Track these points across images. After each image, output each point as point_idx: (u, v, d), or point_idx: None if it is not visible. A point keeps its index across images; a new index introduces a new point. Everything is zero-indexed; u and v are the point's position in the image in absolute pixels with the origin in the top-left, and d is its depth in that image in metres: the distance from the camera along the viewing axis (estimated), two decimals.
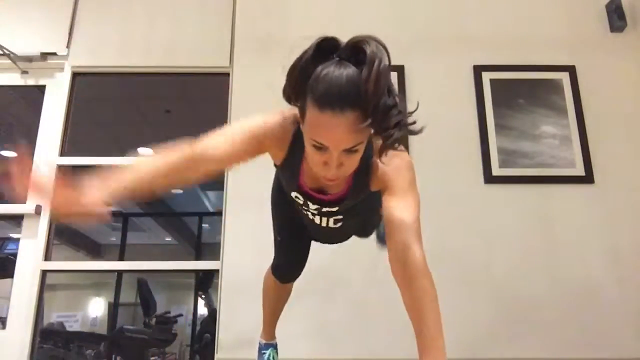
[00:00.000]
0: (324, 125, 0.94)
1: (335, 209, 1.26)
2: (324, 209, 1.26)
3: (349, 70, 0.93)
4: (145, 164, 1.12)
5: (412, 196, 1.11)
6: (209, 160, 1.12)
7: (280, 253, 1.65)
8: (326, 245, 1.65)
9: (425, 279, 1.02)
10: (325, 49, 0.96)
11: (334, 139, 0.94)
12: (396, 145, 0.96)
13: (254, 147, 1.15)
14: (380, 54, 0.91)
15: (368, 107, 0.91)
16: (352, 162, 1.01)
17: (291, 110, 1.13)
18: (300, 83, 0.97)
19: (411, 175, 1.14)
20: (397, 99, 0.95)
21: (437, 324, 0.98)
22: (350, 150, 0.97)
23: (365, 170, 1.13)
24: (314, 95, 0.93)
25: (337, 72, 0.93)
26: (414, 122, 0.99)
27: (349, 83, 0.91)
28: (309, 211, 1.30)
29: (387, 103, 0.92)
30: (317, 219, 1.33)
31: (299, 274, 1.66)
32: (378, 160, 1.07)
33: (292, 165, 1.19)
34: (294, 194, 1.27)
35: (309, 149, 1.01)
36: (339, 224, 1.35)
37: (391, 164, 1.11)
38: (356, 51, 0.94)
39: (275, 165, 1.26)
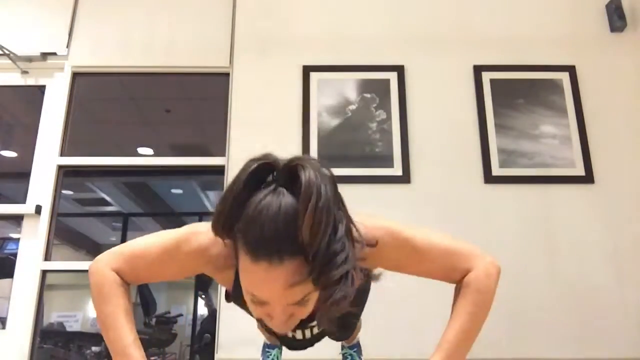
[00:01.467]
0: (260, 279, 0.77)
1: (314, 323, 1.11)
2: (307, 325, 1.11)
3: (286, 203, 0.75)
4: (121, 315, 0.95)
5: (420, 239, 0.97)
6: (133, 283, 0.99)
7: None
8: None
9: (486, 287, 1.01)
10: (261, 174, 0.80)
11: (274, 294, 0.78)
12: (344, 305, 0.75)
13: (191, 271, 1.01)
14: (318, 182, 0.73)
15: (308, 253, 0.74)
16: (304, 312, 0.84)
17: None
18: (232, 217, 0.79)
19: (395, 224, 0.98)
20: (347, 238, 0.77)
21: (463, 331, 0.95)
22: (298, 303, 0.80)
23: None
24: (246, 240, 0.76)
25: (273, 207, 0.75)
26: (369, 273, 0.85)
27: (285, 224, 0.74)
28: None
29: (329, 248, 0.73)
30: (298, 334, 1.21)
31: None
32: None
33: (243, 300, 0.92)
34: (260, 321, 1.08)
35: (247, 300, 0.84)
36: (316, 330, 1.22)
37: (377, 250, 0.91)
38: (292, 177, 0.77)
39: (226, 295, 1.08)
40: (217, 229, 0.82)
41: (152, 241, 0.99)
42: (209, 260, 0.95)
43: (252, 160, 0.79)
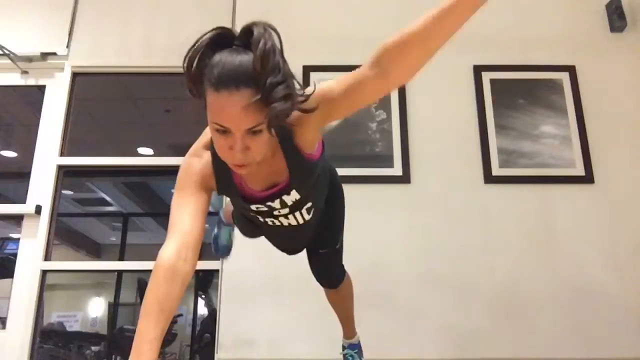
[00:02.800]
0: (222, 106, 0.96)
1: (298, 197, 1.23)
2: (289, 202, 1.24)
3: (242, 55, 0.97)
4: (153, 307, 1.00)
5: (346, 75, 1.07)
6: (192, 240, 1.10)
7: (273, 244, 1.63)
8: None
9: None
10: (221, 40, 1.00)
11: (233, 117, 0.96)
12: (284, 117, 0.97)
13: (203, 189, 1.17)
14: (267, 34, 0.98)
15: (259, 85, 0.94)
16: (258, 145, 1.01)
17: (202, 137, 1.21)
18: (198, 73, 0.99)
19: (329, 82, 1.09)
20: (288, 77, 0.98)
21: None
22: (252, 132, 0.98)
23: (286, 140, 1.12)
24: (210, 79, 0.96)
25: (231, 57, 0.97)
26: (302, 97, 1.01)
27: (241, 64, 0.96)
28: (280, 216, 1.29)
29: (274, 80, 0.94)
30: (292, 220, 1.31)
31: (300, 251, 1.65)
32: (293, 125, 1.07)
33: (226, 180, 1.20)
34: (253, 207, 1.25)
35: (214, 136, 1.03)
36: (312, 212, 1.33)
37: (308, 102, 1.05)
38: (247, 37, 0.99)
39: (219, 193, 1.26)
40: (189, 82, 1.01)
41: (174, 207, 1.16)
42: (203, 175, 1.17)
43: (213, 28, 1.00)
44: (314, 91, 1.05)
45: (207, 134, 1.18)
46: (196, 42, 1.00)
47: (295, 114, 1.02)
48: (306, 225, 1.36)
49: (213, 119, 0.99)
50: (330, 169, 1.46)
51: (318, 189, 1.34)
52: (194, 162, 1.19)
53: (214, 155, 1.13)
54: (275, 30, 1.01)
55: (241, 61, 0.96)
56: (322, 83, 1.10)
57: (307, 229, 1.40)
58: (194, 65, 0.99)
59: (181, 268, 1.05)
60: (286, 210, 1.27)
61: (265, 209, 1.25)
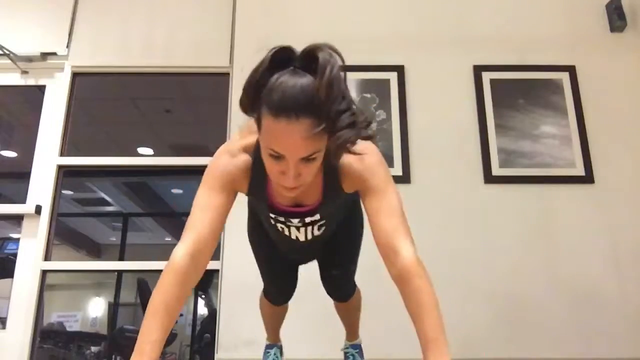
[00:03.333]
0: (279, 133, 0.93)
1: (317, 217, 1.25)
2: (307, 219, 1.26)
3: (303, 79, 0.93)
4: (159, 309, 1.00)
5: (391, 193, 1.10)
6: (207, 245, 1.09)
7: (269, 282, 1.66)
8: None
9: (419, 279, 1.00)
10: (281, 59, 0.96)
11: (290, 146, 0.94)
12: (349, 146, 0.95)
13: (229, 191, 1.15)
14: (333, 60, 0.92)
15: (321, 114, 0.91)
16: (310, 171, 1.00)
17: (246, 137, 1.16)
18: (256, 94, 0.96)
19: (385, 171, 1.13)
20: (352, 104, 0.95)
21: (438, 323, 0.96)
22: (307, 159, 0.96)
23: (333, 172, 1.13)
24: (269, 104, 0.93)
25: (292, 81, 0.93)
26: (368, 124, 0.98)
27: (302, 91, 0.91)
28: (293, 226, 1.29)
29: (339, 108, 0.92)
30: (301, 234, 1.32)
31: (292, 295, 1.66)
32: (348, 161, 1.09)
33: (260, 189, 1.19)
34: (272, 216, 1.26)
35: (266, 159, 1.01)
36: (323, 229, 1.33)
37: (363, 163, 1.11)
38: (310, 60, 0.94)
39: (247, 195, 1.26)
40: (245, 103, 0.99)
41: (197, 206, 1.12)
42: (234, 176, 1.14)
43: (275, 47, 0.96)
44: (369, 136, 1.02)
45: (247, 137, 1.16)
46: (257, 65, 0.96)
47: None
48: (314, 240, 1.36)
49: (268, 144, 0.97)
50: (356, 196, 1.42)
51: (338, 211, 1.35)
52: (227, 162, 1.16)
53: (256, 161, 1.11)
54: (339, 54, 0.95)
55: (302, 86, 0.92)
56: (375, 156, 1.13)
57: (314, 243, 1.39)
58: (253, 86, 0.95)
59: (192, 273, 1.06)
60: (299, 224, 1.28)
61: (282, 219, 1.27)
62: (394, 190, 1.11)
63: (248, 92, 0.97)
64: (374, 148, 1.15)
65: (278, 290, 1.67)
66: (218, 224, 1.12)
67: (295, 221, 1.26)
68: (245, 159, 1.15)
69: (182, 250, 1.05)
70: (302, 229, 1.30)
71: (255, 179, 1.16)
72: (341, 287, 1.69)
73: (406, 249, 1.03)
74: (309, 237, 1.33)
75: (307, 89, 0.91)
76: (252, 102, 0.97)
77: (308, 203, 1.21)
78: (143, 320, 0.99)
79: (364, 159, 1.10)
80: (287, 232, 1.32)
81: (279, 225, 1.31)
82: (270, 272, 1.63)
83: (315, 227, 1.31)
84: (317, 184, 1.16)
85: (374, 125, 2.71)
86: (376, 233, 1.08)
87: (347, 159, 1.09)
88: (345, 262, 1.62)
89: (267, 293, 1.70)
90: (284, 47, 0.96)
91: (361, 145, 1.02)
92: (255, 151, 1.12)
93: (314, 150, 0.95)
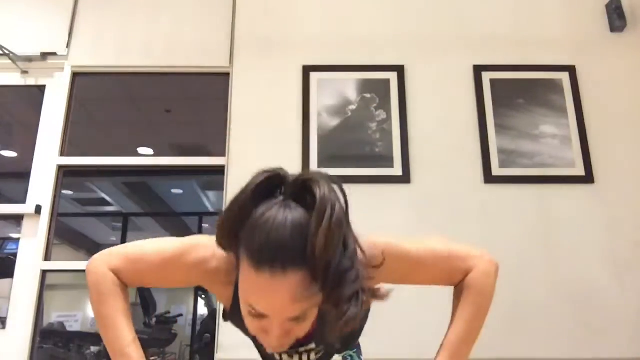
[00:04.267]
0: (261, 289, 0.74)
1: (312, 346, 1.06)
2: (301, 349, 1.06)
3: (294, 215, 0.74)
4: (121, 319, 0.93)
5: (416, 248, 0.97)
6: (128, 284, 0.97)
7: None
8: None
9: (490, 281, 1.02)
10: (269, 186, 0.79)
11: (274, 307, 0.75)
12: (353, 325, 0.73)
13: (192, 281, 0.99)
14: (334, 198, 0.74)
15: (317, 268, 0.72)
16: (302, 329, 0.81)
17: (223, 260, 0.93)
18: (235, 228, 0.78)
19: (394, 239, 0.97)
20: (355, 254, 0.77)
21: (464, 331, 0.96)
22: (297, 319, 0.78)
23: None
24: (249, 248, 0.74)
25: (280, 217, 0.73)
26: (375, 292, 0.81)
27: (293, 234, 0.73)
28: (283, 353, 1.09)
29: (341, 265, 0.72)
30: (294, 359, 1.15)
31: None
32: None
33: (241, 320, 0.90)
34: (257, 344, 1.06)
35: (244, 313, 0.80)
36: (321, 354, 1.13)
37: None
38: (304, 191, 0.76)
39: (224, 313, 1.04)
40: (221, 238, 0.81)
41: (152, 247, 0.97)
42: (207, 273, 0.93)
43: (262, 172, 0.79)
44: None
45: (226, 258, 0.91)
46: (239, 193, 0.79)
47: None
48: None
49: (247, 299, 0.78)
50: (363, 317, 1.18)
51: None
52: (213, 261, 0.92)
53: (237, 290, 0.84)
54: (341, 187, 0.77)
55: (293, 227, 0.73)
56: (380, 239, 0.92)
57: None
58: (232, 218, 0.78)
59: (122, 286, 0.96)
60: (293, 352, 1.08)
61: (270, 352, 1.05)
62: (411, 241, 0.98)
63: (225, 225, 0.79)
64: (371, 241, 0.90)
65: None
66: (148, 281, 1.00)
67: (284, 354, 1.08)
68: (232, 265, 0.87)
69: (111, 269, 0.95)
70: (296, 356, 1.10)
71: (237, 307, 0.86)
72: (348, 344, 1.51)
73: (471, 263, 1.02)
74: None
75: (299, 231, 0.73)
76: (230, 237, 0.80)
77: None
78: (104, 334, 0.93)
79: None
80: (277, 357, 1.12)
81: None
82: None
83: (312, 354, 1.10)
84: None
85: (372, 126, 2.71)
86: (448, 284, 1.03)
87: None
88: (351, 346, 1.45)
89: None
90: (273, 172, 0.79)
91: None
92: (237, 280, 0.84)
93: (305, 310, 0.77)
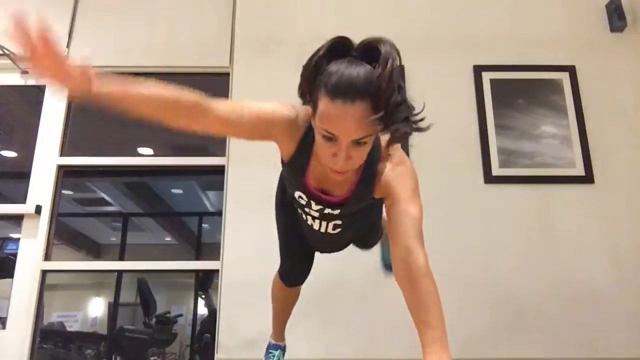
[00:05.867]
0: (335, 115, 0.95)
1: (336, 212, 1.26)
2: (326, 211, 1.26)
3: (360, 68, 0.96)
4: (149, 86, 1.14)
5: (414, 203, 1.12)
6: (211, 117, 1.12)
7: (286, 258, 1.66)
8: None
9: (428, 280, 1.02)
10: (338, 48, 1.00)
11: (344, 128, 0.96)
12: (403, 139, 0.99)
13: (260, 129, 1.15)
14: (395, 54, 0.96)
15: (379, 101, 0.93)
16: (360, 155, 1.03)
17: (304, 109, 1.15)
18: (314, 78, 1.00)
19: (414, 184, 1.15)
20: (406, 99, 0.98)
21: (441, 324, 0.98)
22: (359, 142, 0.99)
23: (370, 175, 1.15)
24: (327, 86, 0.96)
25: (350, 68, 0.96)
26: (422, 119, 1.02)
27: (360, 77, 0.94)
28: (310, 213, 1.30)
29: (397, 99, 0.94)
30: (316, 224, 1.34)
31: (306, 278, 1.68)
32: (383, 167, 1.12)
33: (300, 163, 1.19)
34: (297, 194, 1.27)
35: (319, 140, 1.03)
36: (338, 230, 1.35)
37: (395, 172, 1.14)
38: (369, 51, 0.97)
39: (282, 163, 1.26)
40: (302, 85, 1.03)
41: (242, 104, 1.16)
42: (286, 127, 1.15)
43: (333, 37, 1.01)
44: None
45: (305, 108, 1.14)
46: (315, 51, 1.01)
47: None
48: (327, 234, 1.37)
49: (323, 125, 0.99)
50: (378, 214, 1.44)
51: (357, 217, 1.35)
52: (285, 115, 1.15)
53: (307, 133, 1.13)
54: (399, 52, 0.98)
55: (359, 73, 0.95)
56: (408, 169, 1.17)
57: (329, 238, 1.41)
58: (311, 69, 1.00)
59: (202, 118, 1.14)
60: (317, 214, 1.29)
61: (304, 201, 1.27)
62: (419, 203, 1.13)
63: (305, 75, 1.01)
64: (409, 162, 1.19)
65: (292, 270, 1.67)
66: (232, 128, 1.16)
67: (315, 208, 1.26)
68: (301, 124, 1.15)
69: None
70: (317, 220, 1.32)
71: (301, 152, 1.17)
72: (367, 243, 1.78)
73: (419, 252, 1.05)
74: (322, 230, 1.34)
75: (366, 77, 0.94)
76: (310, 86, 1.01)
77: (335, 194, 1.22)
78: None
79: (397, 168, 1.14)
80: (304, 217, 1.34)
81: (299, 209, 1.33)
82: (288, 249, 1.64)
83: (330, 225, 1.32)
84: (353, 178, 1.17)
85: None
86: (393, 235, 1.09)
87: (383, 165, 1.14)
88: (369, 244, 1.76)
89: (281, 273, 1.69)
90: (342, 37, 1.01)
91: (399, 156, 1.11)
92: (308, 126, 1.13)
93: (366, 134, 0.97)
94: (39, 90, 2.94)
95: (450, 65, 2.82)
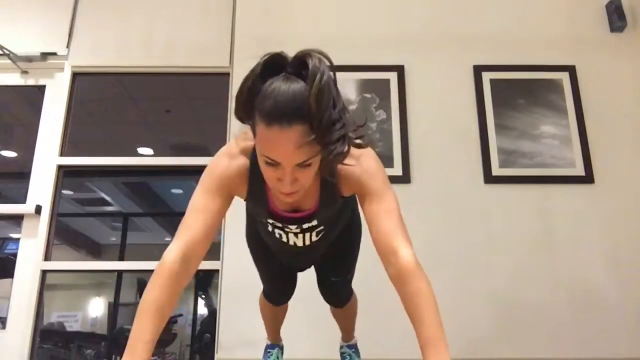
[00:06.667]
0: (273, 141, 0.94)
1: (314, 223, 1.25)
2: (305, 225, 1.26)
3: (294, 85, 0.93)
4: (151, 310, 0.99)
5: (389, 196, 1.11)
6: (203, 247, 1.09)
7: (268, 282, 1.67)
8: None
9: (418, 279, 1.00)
10: (273, 65, 0.97)
11: (284, 153, 0.94)
12: (341, 159, 0.96)
13: (226, 195, 1.14)
14: (323, 67, 0.93)
15: (313, 122, 0.91)
16: (307, 176, 1.01)
17: (242, 137, 1.14)
18: (249, 101, 0.97)
19: (382, 173, 1.14)
20: (344, 112, 0.96)
21: (437, 324, 0.96)
22: (303, 165, 0.97)
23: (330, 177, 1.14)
24: (262, 111, 0.93)
25: (284, 87, 0.93)
26: (360, 136, 1.00)
27: (294, 98, 0.92)
28: (290, 233, 1.29)
29: (330, 117, 0.92)
30: (299, 240, 1.32)
31: (291, 295, 1.68)
32: (345, 165, 1.06)
33: (258, 195, 1.19)
34: (270, 222, 1.26)
35: (262, 166, 1.01)
36: (322, 235, 1.33)
37: (361, 165, 1.11)
38: (300, 65, 0.95)
39: (244, 200, 1.25)
40: (239, 110, 0.99)
41: (194, 198, 1.13)
42: (230, 179, 1.13)
43: (266, 54, 0.98)
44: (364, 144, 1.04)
45: (246, 139, 1.13)
46: (249, 73, 0.97)
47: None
48: (312, 246, 1.36)
49: (263, 152, 0.97)
50: (353, 203, 1.44)
51: (337, 219, 1.35)
52: (226, 165, 1.15)
53: (253, 165, 1.11)
54: (329, 59, 0.96)
55: (294, 93, 0.92)
56: (371, 159, 1.14)
57: (313, 250, 1.39)
58: (245, 94, 0.96)
59: (183, 276, 1.04)
60: (297, 231, 1.28)
61: (280, 225, 1.26)
62: (392, 193, 1.12)
63: (240, 100, 0.97)
64: (369, 150, 1.15)
65: (277, 292, 1.68)
66: (212, 227, 1.10)
67: (293, 227, 1.26)
68: (243, 162, 1.15)
69: (174, 252, 1.04)
70: (300, 235, 1.30)
71: (254, 184, 1.16)
72: (339, 293, 1.70)
73: (405, 250, 1.03)
74: (307, 242, 1.33)
75: (299, 96, 0.91)
76: (246, 109, 0.98)
77: (305, 208, 1.22)
78: (135, 320, 0.98)
79: (361, 162, 1.11)
80: (284, 239, 1.32)
81: (277, 232, 1.31)
82: (268, 275, 1.64)
83: (314, 234, 1.31)
84: (315, 189, 1.16)
85: (372, 126, 2.71)
86: (375, 235, 1.09)
87: (344, 162, 1.07)
88: (344, 269, 1.63)
89: (266, 294, 1.71)
90: (275, 53, 0.98)
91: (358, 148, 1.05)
92: (252, 155, 1.11)
93: (308, 157, 0.96)
94: (39, 90, 2.94)
95: (450, 65, 2.82)
